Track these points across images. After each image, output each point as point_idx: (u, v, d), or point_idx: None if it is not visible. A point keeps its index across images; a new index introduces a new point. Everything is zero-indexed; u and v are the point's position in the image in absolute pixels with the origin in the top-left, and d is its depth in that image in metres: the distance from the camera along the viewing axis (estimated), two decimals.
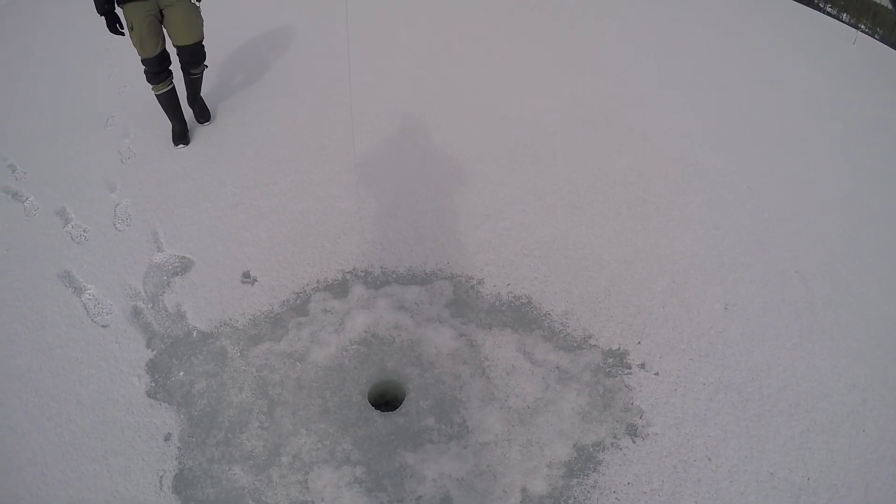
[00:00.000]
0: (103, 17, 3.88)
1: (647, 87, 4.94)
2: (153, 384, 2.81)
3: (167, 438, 2.61)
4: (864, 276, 3.54)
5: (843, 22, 6.79)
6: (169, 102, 4.31)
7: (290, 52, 5.30)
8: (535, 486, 2.50)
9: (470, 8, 6.25)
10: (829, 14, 6.94)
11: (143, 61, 4.07)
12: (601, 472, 2.57)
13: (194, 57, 4.25)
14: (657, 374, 2.91)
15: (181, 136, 4.44)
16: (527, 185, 3.91)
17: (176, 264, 3.33)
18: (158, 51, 4.05)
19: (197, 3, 4.06)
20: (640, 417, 2.75)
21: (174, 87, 4.26)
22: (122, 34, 3.93)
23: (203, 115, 4.69)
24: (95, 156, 4.10)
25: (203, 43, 4.21)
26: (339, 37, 5.34)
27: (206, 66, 4.42)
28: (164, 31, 4.04)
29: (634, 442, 2.67)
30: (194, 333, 3.00)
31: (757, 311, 3.24)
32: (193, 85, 4.56)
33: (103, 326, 3.03)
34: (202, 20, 4.10)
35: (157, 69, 4.14)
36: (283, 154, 4.15)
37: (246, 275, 3.28)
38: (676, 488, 2.57)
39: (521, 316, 3.11)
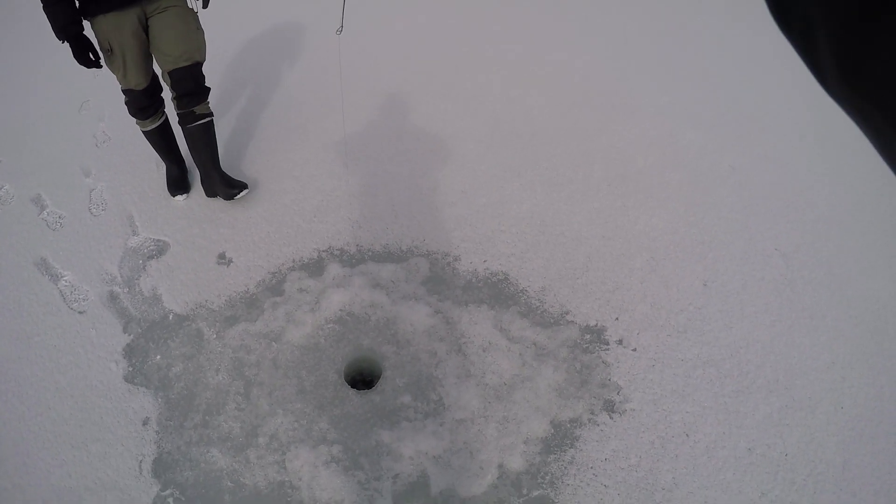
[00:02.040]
0: (66, 43, 2.90)
1: (629, 67, 4.91)
2: (130, 369, 2.80)
3: (145, 423, 2.61)
4: (844, 255, 3.54)
5: None
6: (162, 139, 3.47)
7: (269, 30, 5.25)
8: (511, 463, 2.50)
9: None
10: None
11: (126, 92, 3.23)
12: (578, 449, 2.57)
13: (193, 84, 3.18)
14: (635, 350, 2.91)
15: (179, 182, 3.60)
16: (505, 163, 3.89)
17: (151, 248, 3.31)
18: (149, 78, 3.22)
19: (196, 9, 3.14)
20: (618, 393, 2.75)
21: (167, 117, 3.45)
22: (99, 65, 3.02)
23: (232, 183, 3.48)
24: (70, 141, 4.05)
25: (203, 68, 3.23)
26: (323, 15, 5.29)
27: (212, 115, 3.37)
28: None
29: (612, 418, 2.67)
30: (170, 316, 2.98)
31: (736, 289, 3.24)
32: (202, 139, 3.36)
33: (80, 313, 3.01)
34: (203, 33, 3.17)
35: (144, 102, 3.27)
36: (259, 133, 4.11)
37: (221, 256, 3.26)
38: (654, 464, 2.58)
39: (497, 292, 3.10)
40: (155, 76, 3.29)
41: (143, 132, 3.42)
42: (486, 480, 2.46)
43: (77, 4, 2.87)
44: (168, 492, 2.43)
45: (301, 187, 3.67)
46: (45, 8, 2.79)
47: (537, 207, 3.58)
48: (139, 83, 3.17)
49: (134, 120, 3.37)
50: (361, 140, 4.04)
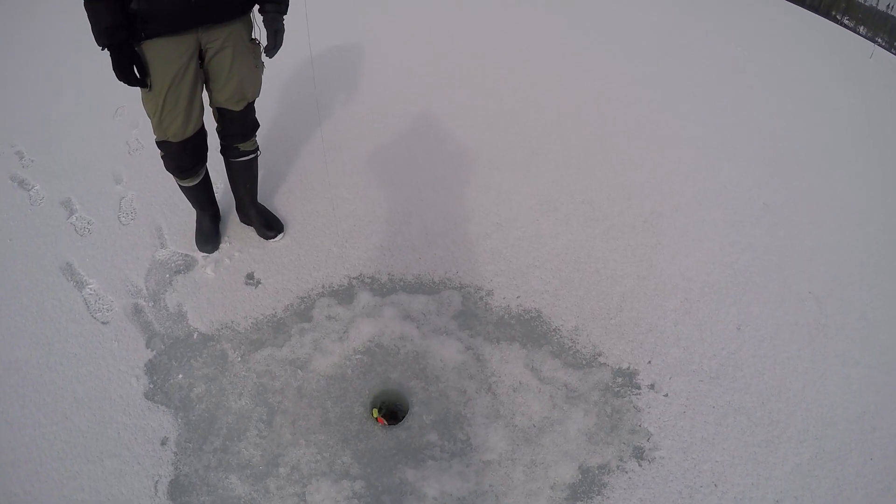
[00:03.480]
0: (107, 52, 2.37)
1: (666, 99, 4.88)
2: (151, 386, 2.75)
3: (164, 443, 2.56)
4: (878, 300, 3.48)
5: (859, 35, 6.72)
6: (200, 193, 3.13)
7: (304, 48, 5.23)
8: None
9: (490, 13, 6.18)
10: (846, 27, 6.88)
11: (161, 145, 2.80)
12: (605, 496, 2.51)
13: (241, 126, 2.92)
14: (667, 395, 2.86)
15: (210, 236, 3.30)
16: (541, 195, 3.84)
17: (179, 262, 3.27)
18: (195, 129, 2.76)
19: (259, 42, 2.76)
20: (648, 440, 2.70)
21: (207, 171, 3.09)
22: (145, 83, 2.49)
23: (270, 224, 3.36)
24: (103, 146, 4.02)
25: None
26: (361, 35, 5.27)
27: (258, 151, 3.12)
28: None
29: (640, 465, 2.62)
30: (195, 335, 2.94)
31: (770, 333, 3.18)
32: (244, 174, 3.17)
33: (103, 323, 2.98)
34: (262, 69, 2.86)
35: (184, 161, 2.86)
36: (292, 152, 4.05)
37: (250, 276, 3.21)
38: None
39: (530, 330, 3.05)
40: (201, 130, 2.83)
41: (180, 186, 3.06)
42: None
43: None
44: None
45: (334, 210, 3.61)
46: (85, 4, 2.29)
47: (573, 243, 3.53)
48: (177, 134, 2.70)
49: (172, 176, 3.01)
50: (396, 165, 4.00)
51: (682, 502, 2.55)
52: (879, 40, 6.71)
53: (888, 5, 7.12)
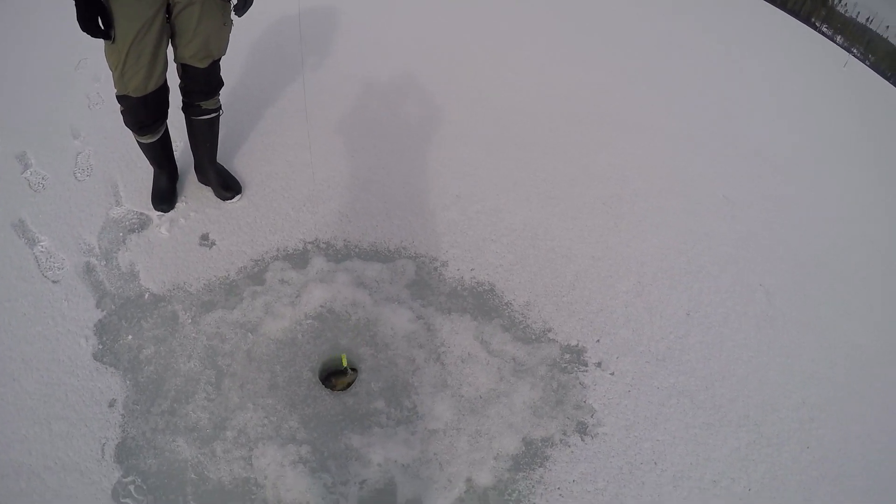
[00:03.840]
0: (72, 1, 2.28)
1: (638, 90, 4.90)
2: (100, 347, 2.71)
3: (111, 405, 2.53)
4: (829, 297, 3.58)
5: (836, 44, 6.83)
6: (159, 151, 3.06)
7: (276, 8, 5.14)
8: (480, 478, 2.49)
9: None
10: (824, 34, 6.98)
11: (121, 99, 2.70)
12: (547, 468, 2.57)
13: (205, 84, 2.87)
14: (613, 374, 2.91)
15: (167, 195, 3.25)
16: (503, 171, 3.84)
17: (133, 220, 3.21)
18: (157, 85, 2.69)
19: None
20: (592, 416, 2.75)
21: (167, 128, 3.01)
22: (108, 35, 2.41)
23: (228, 184, 3.33)
24: (63, 99, 3.91)
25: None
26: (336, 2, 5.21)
27: (220, 110, 3.06)
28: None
29: (583, 440, 2.67)
30: (146, 295, 2.90)
31: (718, 321, 3.25)
32: (204, 133, 3.11)
33: (54, 282, 2.92)
34: (231, 27, 2.78)
35: (143, 116, 2.77)
36: (255, 113, 3.98)
37: (204, 237, 3.17)
38: (620, 489, 2.59)
39: (481, 303, 3.07)
40: (163, 86, 2.75)
41: (138, 143, 2.98)
42: (453, 493, 2.44)
43: None
44: (130, 478, 2.36)
45: (293, 173, 3.57)
46: None
47: (531, 220, 3.54)
48: (138, 88, 2.61)
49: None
50: (361, 131, 3.96)
51: (622, 478, 2.61)
52: (855, 51, 6.83)
53: (867, 18, 7.25)
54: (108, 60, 2.55)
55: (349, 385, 2.69)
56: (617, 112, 4.57)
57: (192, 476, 2.38)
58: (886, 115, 5.72)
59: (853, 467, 2.91)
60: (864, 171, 4.79)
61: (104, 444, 2.43)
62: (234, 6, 2.68)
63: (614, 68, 5.11)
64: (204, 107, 2.94)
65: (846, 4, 7.41)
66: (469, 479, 2.48)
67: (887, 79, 6.37)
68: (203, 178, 3.34)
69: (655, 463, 2.68)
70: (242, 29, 3.20)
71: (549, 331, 3.01)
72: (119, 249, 3.07)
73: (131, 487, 2.35)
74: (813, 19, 7.21)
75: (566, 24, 5.64)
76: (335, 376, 2.72)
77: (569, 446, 2.64)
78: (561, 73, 4.88)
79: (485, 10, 5.63)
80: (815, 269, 3.71)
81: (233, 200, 3.31)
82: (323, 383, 2.68)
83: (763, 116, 5.00)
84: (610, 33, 5.64)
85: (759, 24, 6.76)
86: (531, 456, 2.59)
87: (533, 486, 2.52)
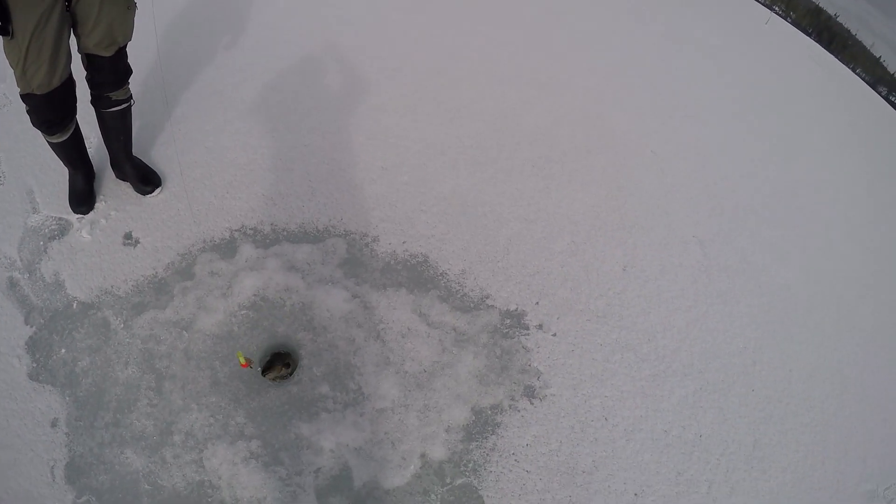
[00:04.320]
0: None
1: (558, 47, 4.88)
2: (34, 365, 2.60)
3: (54, 424, 2.45)
4: (759, 244, 3.66)
5: (758, 2, 6.96)
6: (71, 150, 2.91)
7: None
8: (434, 452, 2.50)
9: None
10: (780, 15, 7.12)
11: (25, 98, 2.55)
12: (500, 435, 2.59)
13: (112, 73, 2.69)
14: (555, 334, 2.93)
15: (84, 196, 3.12)
16: (429, 139, 3.79)
17: (53, 227, 3.07)
18: (62, 79, 2.52)
19: None
20: (538, 379, 2.77)
21: (77, 125, 2.83)
22: (7, 31, 2.27)
23: (146, 178, 3.21)
24: None
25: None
26: None
27: (131, 100, 2.88)
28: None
29: (532, 403, 2.69)
30: (74, 304, 2.79)
31: (655, 274, 3.30)
32: (117, 126, 2.95)
33: None
34: (135, 10, 2.60)
35: (50, 115, 2.62)
36: (170, 100, 3.79)
37: (128, 236, 3.04)
38: (574, 448, 2.63)
39: (416, 275, 3.05)
40: (69, 80, 2.58)
41: (49, 143, 2.81)
42: (409, 471, 2.46)
43: None
44: (84, 499, 2.30)
45: (213, 159, 3.44)
46: None
47: (460, 187, 3.52)
48: (42, 85, 2.46)
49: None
50: (278, 110, 3.85)
51: (574, 437, 2.64)
52: (776, 8, 6.96)
53: None
54: (7, 58, 2.39)
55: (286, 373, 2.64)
56: (539, 71, 4.55)
57: (146, 486, 2.34)
58: (807, 69, 5.85)
59: (797, 404, 3.02)
60: (782, 119, 4.89)
61: (53, 467, 2.36)
62: None
63: (532, 27, 5.08)
64: (114, 98, 2.78)
65: None
66: (423, 455, 2.49)
67: (808, 34, 6.53)
68: (120, 173, 3.21)
69: (606, 419, 2.72)
70: (147, 11, 3.07)
71: (487, 297, 3.01)
72: (41, 259, 2.94)
73: None
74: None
75: None
76: (270, 370, 2.63)
77: (518, 411, 2.66)
78: (480, 34, 4.83)
79: None
80: (742, 217, 3.79)
81: (153, 194, 3.18)
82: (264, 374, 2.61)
83: (688, 73, 5.05)
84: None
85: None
86: (482, 424, 2.60)
87: (487, 454, 2.54)
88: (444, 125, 3.92)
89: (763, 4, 6.89)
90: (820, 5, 7.18)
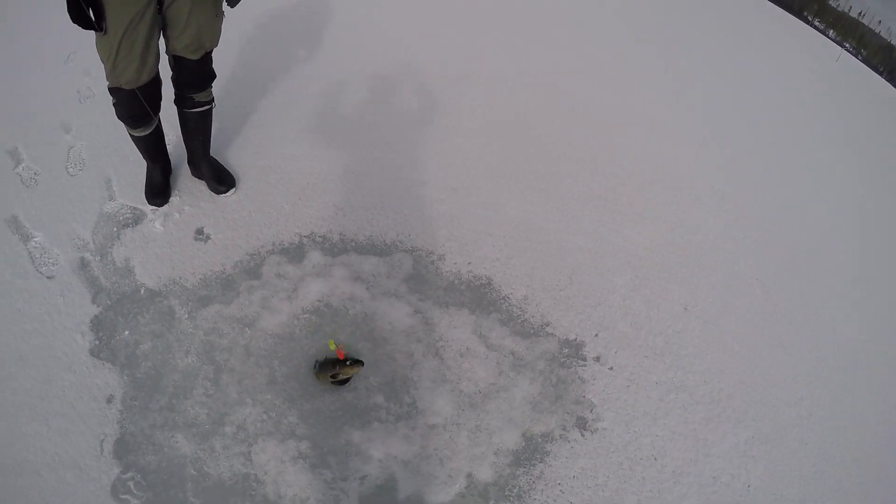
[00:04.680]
0: None
1: (634, 78, 4.88)
2: (97, 342, 2.69)
3: (109, 401, 2.52)
4: (824, 293, 3.58)
5: (829, 38, 6.84)
6: (152, 145, 3.04)
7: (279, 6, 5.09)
8: (481, 473, 2.49)
9: None
10: (816, 28, 6.98)
11: (113, 92, 2.67)
12: (548, 464, 2.57)
13: (198, 76, 2.84)
14: (612, 368, 2.90)
15: (160, 189, 3.22)
16: (499, 164, 3.81)
17: (127, 215, 3.18)
18: (149, 77, 2.65)
19: None
20: (591, 411, 2.75)
21: (160, 122, 2.95)
22: (100, 27, 2.37)
23: (221, 178, 3.30)
24: (53, 94, 3.84)
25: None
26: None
27: (213, 103, 3.02)
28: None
29: (583, 435, 2.67)
30: (142, 290, 2.87)
31: (715, 315, 3.25)
32: (197, 126, 3.09)
33: (49, 278, 2.90)
34: (223, 18, 2.73)
35: (136, 109, 2.74)
36: (249, 106, 3.93)
37: (199, 232, 3.14)
38: (621, 485, 2.59)
39: (479, 297, 3.06)
40: (156, 79, 2.71)
41: (131, 136, 2.94)
42: (453, 489, 2.45)
43: None
44: (129, 475, 2.35)
45: (288, 166, 3.53)
46: None
47: (527, 213, 3.52)
48: (131, 81, 2.57)
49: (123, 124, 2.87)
50: (355, 124, 3.93)
51: (622, 473, 2.61)
52: (847, 45, 6.84)
53: (860, 13, 7.27)
54: (99, 53, 2.51)
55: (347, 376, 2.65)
56: (612, 105, 4.55)
57: (192, 472, 2.37)
58: (877, 108, 5.74)
59: (850, 462, 2.93)
60: (854, 163, 4.79)
61: (103, 441, 2.42)
62: None
63: (607, 59, 5.08)
64: (196, 99, 2.91)
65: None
66: (470, 475, 2.48)
67: (879, 73, 6.39)
68: (196, 171, 3.30)
69: (655, 458, 2.68)
70: (235, 20, 3.16)
71: (548, 325, 3.00)
72: (113, 244, 3.04)
73: (131, 484, 2.34)
74: (805, 13, 7.22)
75: (565, 17, 5.60)
76: (338, 365, 2.61)
77: (568, 441, 2.64)
78: (557, 65, 4.85)
79: (484, 2, 5.59)
80: (808, 264, 3.71)
81: (227, 194, 3.27)
82: (321, 371, 2.62)
83: (755, 109, 4.98)
84: (604, 27, 5.60)
85: (751, 18, 6.74)
86: (531, 451, 2.59)
87: (533, 482, 2.52)
88: (515, 151, 3.94)
89: (834, 41, 6.77)
90: (892, 42, 7.04)
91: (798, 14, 7.07)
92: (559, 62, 4.90)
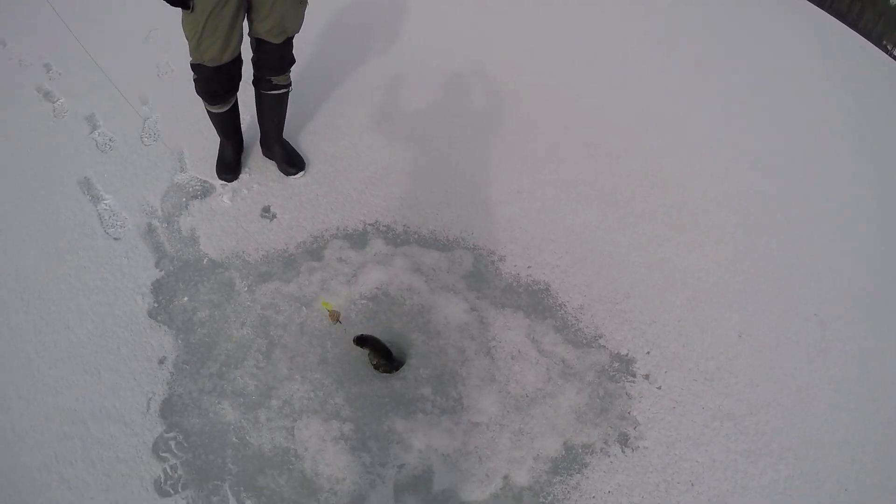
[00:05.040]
0: None
1: (705, 100, 4.80)
2: (156, 305, 2.78)
3: (161, 362, 2.60)
4: (884, 335, 3.47)
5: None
6: (227, 121, 3.15)
7: None
8: (518, 477, 2.48)
9: None
10: (894, 59, 6.77)
11: (195, 68, 2.78)
12: (585, 475, 2.54)
13: (278, 60, 2.91)
14: (660, 388, 2.86)
15: (232, 166, 3.32)
16: (566, 170, 3.81)
17: (197, 187, 3.27)
18: (232, 56, 2.74)
19: None
20: (635, 428, 2.71)
21: (237, 100, 3.08)
22: (188, 5, 2.46)
23: (292, 160, 3.37)
24: (132, 67, 3.99)
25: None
26: None
27: (290, 87, 3.11)
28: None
29: (624, 452, 2.64)
30: (205, 260, 2.95)
31: (770, 346, 3.18)
32: (273, 108, 3.18)
33: (115, 239, 3.00)
34: (306, 4, 2.80)
35: (216, 86, 2.86)
36: (323, 93, 4.02)
37: (266, 210, 3.22)
38: None
39: (536, 301, 3.05)
40: (237, 59, 2.80)
41: (208, 112, 3.05)
42: (488, 489, 2.44)
43: None
44: (172, 434, 2.41)
45: (358, 154, 3.60)
46: None
47: (590, 223, 3.51)
48: (214, 59, 2.67)
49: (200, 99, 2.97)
50: (428, 119, 3.98)
51: (657, 495, 2.57)
52: None
53: None
54: (184, 29, 2.59)
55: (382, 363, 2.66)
56: (683, 121, 4.50)
57: (234, 440, 2.42)
58: None
59: None
60: None
61: (150, 399, 2.49)
62: None
63: (682, 75, 5.03)
64: (275, 82, 2.99)
65: None
66: (506, 477, 2.47)
67: None
68: (268, 152, 3.38)
69: (692, 484, 2.63)
70: (318, 8, 3.23)
71: (601, 337, 2.98)
72: (181, 214, 3.12)
73: (172, 443, 2.40)
74: (885, 42, 7.02)
75: (640, 27, 5.57)
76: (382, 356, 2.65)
77: (608, 456, 2.61)
78: (631, 75, 4.84)
79: (561, 7, 5.59)
80: (869, 303, 3.60)
81: (296, 176, 3.34)
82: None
83: (834, 141, 4.86)
84: (682, 39, 5.55)
85: (831, 46, 6.58)
86: (570, 461, 2.56)
87: (568, 492, 2.49)
88: (583, 160, 3.93)
89: None
90: None
91: (877, 42, 6.86)
92: (634, 73, 4.87)
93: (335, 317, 2.62)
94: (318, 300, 2.79)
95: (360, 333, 2.58)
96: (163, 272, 2.89)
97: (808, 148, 4.64)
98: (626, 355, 2.94)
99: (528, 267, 3.20)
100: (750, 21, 6.36)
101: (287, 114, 3.25)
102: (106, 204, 3.15)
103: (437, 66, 4.44)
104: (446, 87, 4.30)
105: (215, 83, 2.82)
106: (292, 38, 2.85)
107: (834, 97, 5.38)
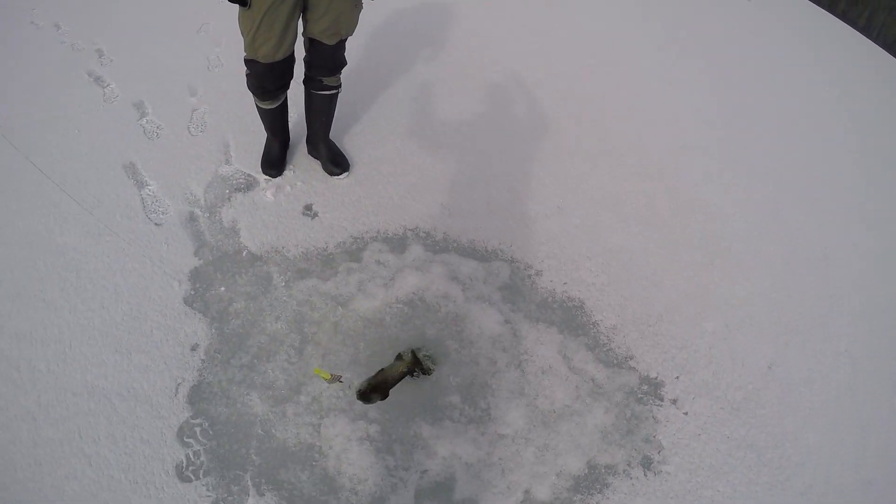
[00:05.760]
0: None
1: (755, 129, 4.76)
2: (192, 292, 2.82)
3: (194, 348, 2.63)
4: None
5: None
6: (276, 118, 3.20)
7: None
8: (539, 492, 2.47)
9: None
10: None
11: (249, 63, 2.83)
12: (605, 496, 2.53)
13: (331, 61, 2.95)
14: (686, 413, 2.85)
15: (277, 162, 3.35)
16: (606, 190, 3.81)
17: (241, 180, 3.32)
18: (285, 54, 2.79)
19: None
20: (659, 452, 2.70)
21: (287, 98, 3.14)
22: (245, 2, 2.53)
23: (337, 161, 3.40)
24: (184, 58, 4.07)
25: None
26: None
27: (340, 88, 3.15)
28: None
29: (646, 475, 2.62)
30: (244, 253, 2.99)
31: (799, 381, 3.15)
32: (322, 108, 3.21)
33: (156, 224, 3.05)
34: (361, 8, 2.83)
35: (268, 83, 2.91)
36: (370, 98, 4.06)
37: (308, 208, 3.26)
38: None
39: (570, 318, 3.06)
40: (290, 57, 2.84)
41: (257, 107, 3.10)
42: (509, 501, 2.44)
43: None
44: (198, 420, 2.45)
45: (402, 160, 3.63)
46: None
47: (628, 243, 3.50)
48: (267, 56, 2.71)
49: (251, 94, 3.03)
50: (473, 130, 4.00)
51: None
52: None
53: None
54: (240, 25, 2.65)
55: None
56: (727, 148, 4.47)
57: (259, 431, 2.44)
58: None
59: None
60: None
61: (179, 384, 2.53)
62: None
63: (730, 100, 4.99)
64: (325, 82, 3.03)
65: None
66: (528, 491, 2.47)
67: None
68: (314, 151, 3.42)
69: None
70: (370, 13, 3.26)
71: (631, 358, 2.98)
72: (224, 205, 3.17)
73: (197, 429, 2.43)
74: None
75: (684, 49, 5.54)
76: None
77: (630, 478, 2.60)
78: (676, 99, 4.82)
79: (606, 27, 5.58)
80: None
81: (340, 177, 3.38)
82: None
83: (881, 178, 4.76)
84: (723, 63, 5.51)
85: (876, 76, 6.48)
86: (592, 480, 2.56)
87: None
88: (624, 180, 3.92)
89: None
90: None
91: None
92: (679, 96, 4.85)
93: (335, 378, 2.62)
94: (312, 368, 2.67)
95: (358, 388, 2.44)
96: (201, 261, 2.93)
97: (855, 184, 4.59)
98: (656, 378, 2.93)
99: (564, 283, 3.20)
100: (801, 55, 6.30)
101: (335, 114, 3.28)
102: (150, 190, 3.20)
103: (486, 78, 4.47)
104: (492, 96, 4.32)
105: (267, 80, 2.87)
106: (345, 40, 2.90)
107: (886, 132, 5.31)
